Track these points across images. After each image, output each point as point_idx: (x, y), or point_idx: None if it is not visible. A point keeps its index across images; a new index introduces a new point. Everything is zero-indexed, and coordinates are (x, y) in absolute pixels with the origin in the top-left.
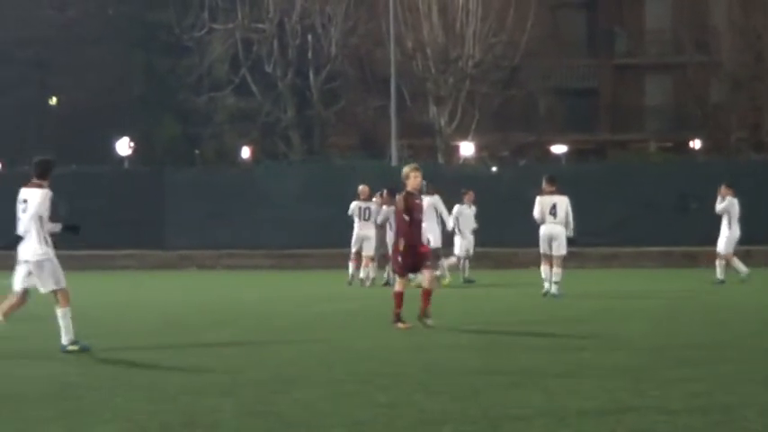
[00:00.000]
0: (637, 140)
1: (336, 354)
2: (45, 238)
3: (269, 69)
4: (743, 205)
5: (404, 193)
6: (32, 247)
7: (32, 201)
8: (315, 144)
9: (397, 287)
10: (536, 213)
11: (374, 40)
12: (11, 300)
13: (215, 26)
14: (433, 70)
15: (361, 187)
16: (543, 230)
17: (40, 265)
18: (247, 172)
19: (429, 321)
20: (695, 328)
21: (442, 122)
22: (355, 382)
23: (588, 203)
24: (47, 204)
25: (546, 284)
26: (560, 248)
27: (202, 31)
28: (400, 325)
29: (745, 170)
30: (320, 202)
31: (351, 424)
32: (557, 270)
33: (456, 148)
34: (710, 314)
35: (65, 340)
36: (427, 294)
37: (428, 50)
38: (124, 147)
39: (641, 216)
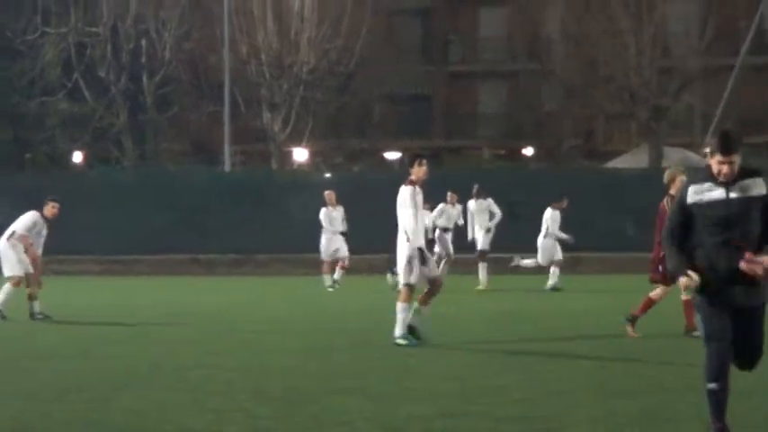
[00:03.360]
0: (470, 147)
1: (169, 360)
2: None
3: (102, 74)
4: (573, 213)
5: (670, 198)
6: None
7: None
8: (147, 149)
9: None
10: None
11: (208, 45)
12: None
13: (48, 30)
14: (267, 76)
15: (326, 193)
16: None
17: None
18: (78, 177)
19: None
20: (526, 335)
21: (276, 128)
22: (186, 390)
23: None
24: None
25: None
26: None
27: (35, 35)
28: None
29: (576, 178)
30: (152, 208)
31: (180, 431)
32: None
33: (290, 154)
34: (543, 320)
35: None
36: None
37: (262, 56)
38: None
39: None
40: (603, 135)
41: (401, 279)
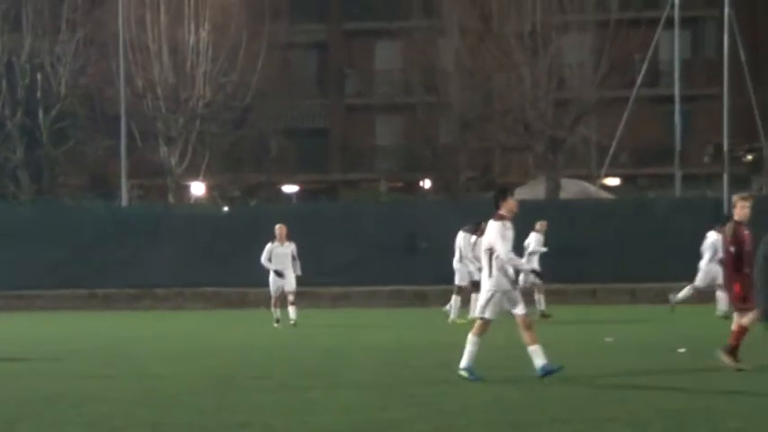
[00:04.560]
0: (368, 180)
1: (66, 394)
2: None
3: None
4: (443, 242)
5: (733, 223)
6: None
7: None
8: (44, 184)
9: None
10: None
11: (104, 79)
12: None
13: None
14: (163, 110)
15: (277, 227)
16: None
17: None
18: None
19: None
20: (423, 367)
21: (173, 162)
22: (83, 424)
23: (319, 243)
24: None
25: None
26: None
27: None
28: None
29: (473, 210)
30: (50, 242)
31: None
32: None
33: (187, 188)
34: (438, 353)
35: None
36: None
37: (159, 90)
38: None
39: (372, 256)
40: (500, 167)
41: (475, 312)
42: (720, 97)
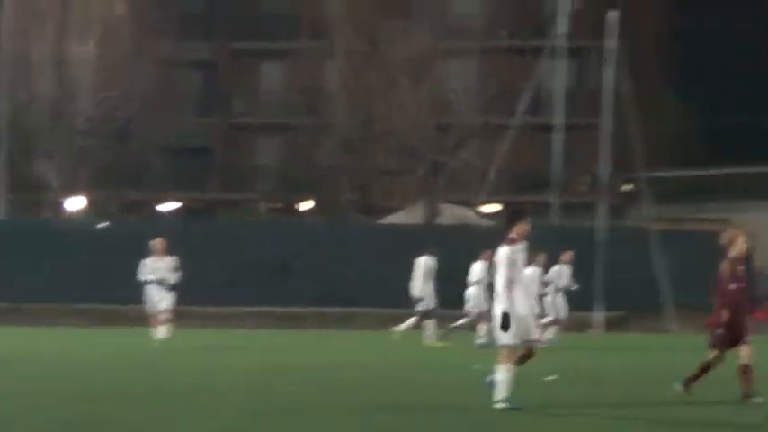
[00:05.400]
0: (247, 200)
1: None
2: None
3: None
4: (320, 264)
5: (730, 261)
6: None
7: None
8: None
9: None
10: None
11: None
12: None
13: None
14: (44, 124)
15: (156, 242)
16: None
17: None
18: None
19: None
20: (295, 389)
21: (52, 177)
22: None
23: (196, 262)
24: None
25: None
26: None
27: None
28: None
29: (352, 232)
30: None
31: None
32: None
33: (64, 204)
34: (311, 373)
35: None
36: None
37: (40, 104)
38: None
39: (248, 275)
40: (381, 190)
41: (499, 340)
42: (601, 127)
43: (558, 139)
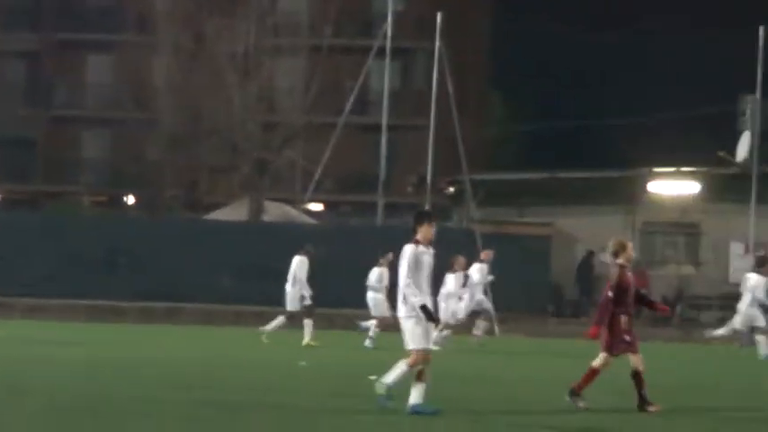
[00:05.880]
0: (71, 193)
1: None
2: None
3: None
4: (144, 258)
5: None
6: None
7: None
8: None
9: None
10: None
11: None
12: None
13: None
14: None
15: None
16: None
17: None
18: None
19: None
20: (113, 382)
21: None
22: None
23: (18, 254)
24: None
25: None
26: None
27: None
28: None
29: (176, 227)
30: None
31: None
32: None
33: None
34: (132, 369)
35: None
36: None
37: None
38: None
39: (71, 268)
40: (207, 187)
41: (409, 345)
42: (427, 128)
43: (383, 140)
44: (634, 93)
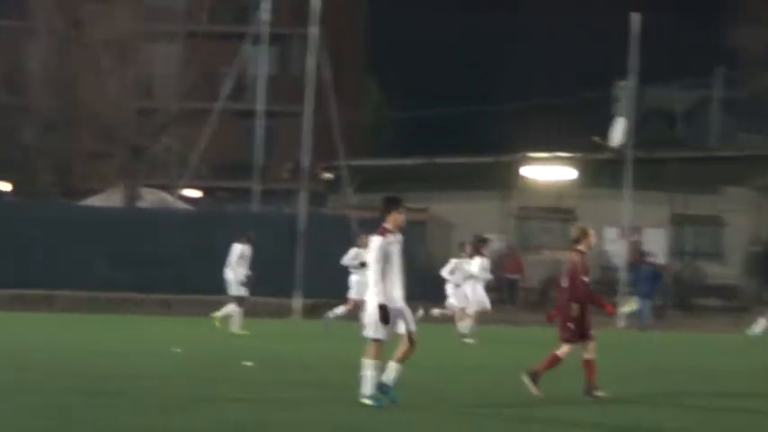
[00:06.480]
0: None
1: None
2: None
3: None
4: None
5: (581, 254)
6: None
7: None
8: None
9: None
10: None
11: None
12: None
13: None
14: None
15: None
16: None
17: None
18: None
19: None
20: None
21: None
22: None
23: None
24: None
25: None
26: None
27: None
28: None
29: (50, 214)
30: None
31: None
32: None
33: None
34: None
35: None
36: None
37: None
38: None
39: None
40: (82, 173)
41: (369, 334)
42: (303, 114)
43: (259, 126)
44: (515, 79)
